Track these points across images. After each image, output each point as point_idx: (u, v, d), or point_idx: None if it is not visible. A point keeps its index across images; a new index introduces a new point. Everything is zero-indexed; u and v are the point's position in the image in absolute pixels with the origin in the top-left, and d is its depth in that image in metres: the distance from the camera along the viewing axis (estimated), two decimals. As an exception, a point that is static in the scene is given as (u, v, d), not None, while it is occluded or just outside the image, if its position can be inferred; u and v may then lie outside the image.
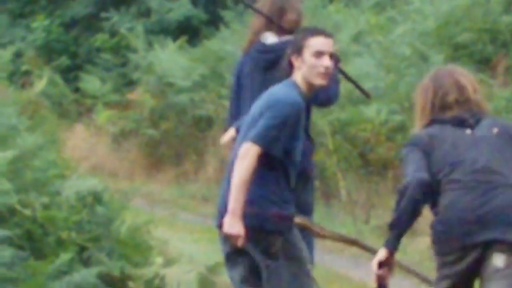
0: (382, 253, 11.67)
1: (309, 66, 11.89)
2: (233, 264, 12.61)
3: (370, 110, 23.95)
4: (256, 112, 12.49)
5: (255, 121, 12.42)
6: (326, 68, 12.00)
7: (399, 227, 11.50)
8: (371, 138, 23.42)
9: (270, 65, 14.27)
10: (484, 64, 22.80)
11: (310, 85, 12.12)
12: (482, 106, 12.02)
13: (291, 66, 12.12)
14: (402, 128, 22.78)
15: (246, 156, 11.91)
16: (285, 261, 12.35)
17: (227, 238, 12.35)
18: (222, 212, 12.28)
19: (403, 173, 12.15)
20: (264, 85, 13.73)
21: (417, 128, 12.26)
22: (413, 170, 11.79)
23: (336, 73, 13.69)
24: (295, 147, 12.46)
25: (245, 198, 12.05)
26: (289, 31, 13.66)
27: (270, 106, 12.04)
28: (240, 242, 11.89)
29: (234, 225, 11.68)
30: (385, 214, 21.50)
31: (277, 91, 12.46)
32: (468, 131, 11.54)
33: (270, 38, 14.39)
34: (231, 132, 13.90)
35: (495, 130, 11.73)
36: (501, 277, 11.55)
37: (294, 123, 12.24)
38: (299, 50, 11.90)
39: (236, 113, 14.58)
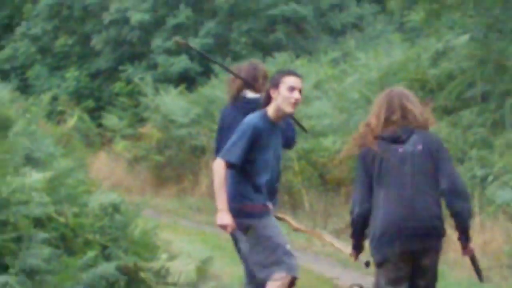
0: (349, 250, 12.84)
1: (283, 97, 12.82)
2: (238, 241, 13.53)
3: (327, 141, 24.01)
4: None
5: None
6: (296, 99, 12.89)
7: (355, 238, 12.50)
8: (328, 162, 23.63)
9: (251, 111, 14.71)
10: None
11: (281, 112, 13.07)
12: (424, 124, 12.29)
13: (269, 98, 13.16)
14: (352, 155, 22.77)
15: (217, 168, 13.22)
16: (263, 239, 13.00)
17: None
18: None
19: (353, 192, 12.89)
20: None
21: (375, 128, 12.13)
22: (358, 202, 12.25)
23: (293, 124, 14.82)
24: (257, 158, 13.35)
25: (226, 197, 13.05)
26: (259, 91, 15.00)
27: (238, 128, 13.33)
28: (229, 230, 12.90)
29: (223, 218, 12.58)
30: (339, 221, 21.81)
31: (247, 117, 13.69)
32: (400, 148, 11.82)
33: (250, 94, 15.33)
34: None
35: (419, 147, 11.99)
36: None
37: (252, 139, 13.17)
38: (276, 85, 12.79)
39: (219, 146, 14.80)
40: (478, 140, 21.38)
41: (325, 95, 26.49)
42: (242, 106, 15.03)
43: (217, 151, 14.82)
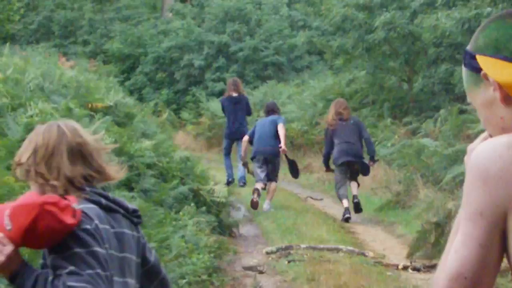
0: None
1: None
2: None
3: (294, 125, 23.54)
4: None
5: None
6: None
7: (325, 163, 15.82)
8: (294, 135, 23.28)
9: (237, 102, 18.16)
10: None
11: None
12: (349, 114, 15.74)
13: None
14: (306, 132, 23.02)
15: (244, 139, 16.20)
16: None
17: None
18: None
19: (324, 145, 16.30)
20: (234, 110, 18.05)
21: (332, 115, 15.43)
22: (326, 149, 15.80)
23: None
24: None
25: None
26: (238, 92, 18.44)
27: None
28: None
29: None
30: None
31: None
32: (344, 123, 14.97)
33: (234, 94, 18.26)
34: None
35: (352, 121, 15.32)
36: None
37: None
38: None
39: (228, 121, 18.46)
40: (370, 124, 21.60)
41: (293, 102, 26.35)
42: (230, 100, 18.23)
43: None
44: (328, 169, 15.97)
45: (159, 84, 34.66)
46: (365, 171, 15.32)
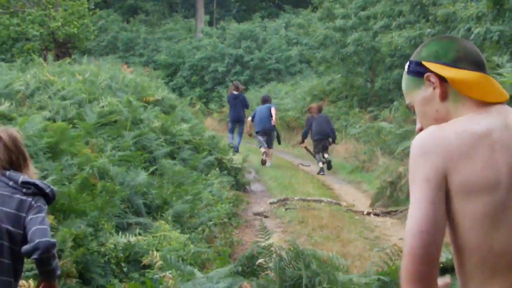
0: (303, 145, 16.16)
1: None
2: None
3: (289, 113, 23.56)
4: None
5: None
6: None
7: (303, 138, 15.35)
8: (290, 121, 23.50)
9: (236, 98, 17.15)
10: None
11: None
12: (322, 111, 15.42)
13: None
14: (298, 118, 23.00)
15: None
16: None
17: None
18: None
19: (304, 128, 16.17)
20: (235, 103, 17.39)
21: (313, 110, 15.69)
22: (305, 130, 15.82)
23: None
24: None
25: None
26: (238, 91, 17.47)
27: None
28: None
29: None
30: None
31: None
32: (319, 115, 13.70)
33: (235, 92, 17.33)
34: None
35: (324, 115, 14.24)
36: None
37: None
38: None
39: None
40: (344, 112, 21.60)
41: (289, 97, 26.18)
42: (232, 96, 17.54)
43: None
44: (302, 142, 16.72)
45: (193, 84, 34.81)
46: (329, 145, 16.03)
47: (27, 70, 13.71)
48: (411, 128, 14.14)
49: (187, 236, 6.51)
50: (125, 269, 5.56)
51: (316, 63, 24.40)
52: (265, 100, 17.08)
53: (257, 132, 16.49)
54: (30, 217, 3.18)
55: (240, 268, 3.41)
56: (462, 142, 1.99)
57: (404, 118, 15.61)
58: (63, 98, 10.43)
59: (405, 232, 1.98)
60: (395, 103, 18.10)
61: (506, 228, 1.96)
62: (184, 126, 12.42)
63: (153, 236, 6.19)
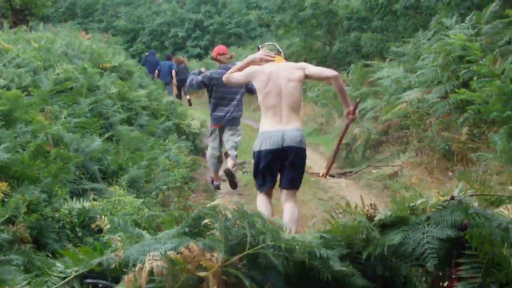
0: None
1: None
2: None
3: None
4: None
5: None
6: None
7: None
8: None
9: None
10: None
11: None
12: None
13: None
14: None
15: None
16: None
17: None
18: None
19: None
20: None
21: None
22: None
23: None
24: None
25: None
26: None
27: None
28: None
29: None
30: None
31: None
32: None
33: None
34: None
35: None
36: None
37: None
38: None
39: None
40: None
41: None
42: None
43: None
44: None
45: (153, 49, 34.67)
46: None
47: (-18, 38, 13.49)
48: (367, 90, 14.30)
49: (142, 200, 6.57)
50: (79, 234, 5.60)
51: (275, 27, 24.39)
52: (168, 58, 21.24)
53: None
54: None
55: (187, 229, 3.51)
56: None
57: (361, 81, 15.75)
58: (18, 66, 10.33)
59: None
60: (352, 65, 18.23)
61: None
62: (142, 92, 12.39)
63: (107, 201, 6.24)
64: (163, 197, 7.50)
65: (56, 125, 7.37)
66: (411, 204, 3.08)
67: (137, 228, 4.19)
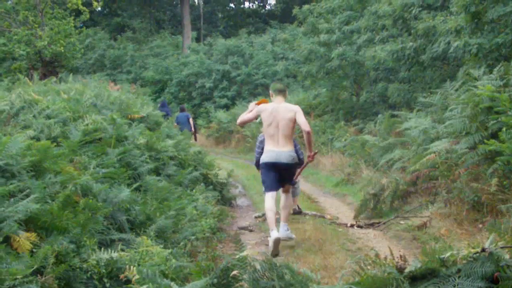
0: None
1: None
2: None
3: None
4: None
5: None
6: None
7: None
8: None
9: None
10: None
11: None
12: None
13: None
14: None
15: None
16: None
17: None
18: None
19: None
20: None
21: None
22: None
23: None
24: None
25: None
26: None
27: None
28: None
29: None
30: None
31: None
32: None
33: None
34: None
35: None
36: None
37: None
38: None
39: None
40: (330, 125, 21.71)
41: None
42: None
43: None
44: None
45: (181, 100, 34.88)
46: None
47: (13, 89, 13.75)
48: (394, 140, 14.26)
49: (170, 251, 6.54)
50: (107, 285, 5.57)
51: (302, 77, 24.55)
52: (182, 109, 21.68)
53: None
54: None
55: (215, 280, 3.49)
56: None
57: (388, 131, 15.72)
58: (48, 117, 10.47)
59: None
60: (379, 116, 18.22)
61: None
62: (169, 142, 12.45)
63: (135, 252, 6.22)
64: (191, 247, 7.48)
65: (85, 175, 7.42)
66: (441, 256, 3.03)
67: (165, 279, 4.19)
